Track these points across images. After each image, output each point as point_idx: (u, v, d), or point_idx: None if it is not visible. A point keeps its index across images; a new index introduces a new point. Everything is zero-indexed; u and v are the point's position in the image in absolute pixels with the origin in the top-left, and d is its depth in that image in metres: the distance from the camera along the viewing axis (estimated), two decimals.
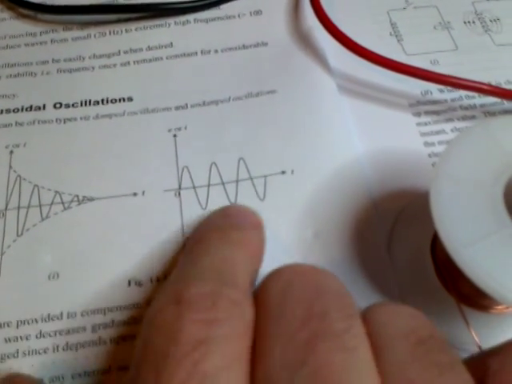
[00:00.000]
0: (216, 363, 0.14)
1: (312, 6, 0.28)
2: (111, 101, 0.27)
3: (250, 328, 0.15)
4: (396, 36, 0.29)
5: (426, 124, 0.26)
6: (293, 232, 0.23)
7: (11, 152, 0.25)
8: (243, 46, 0.28)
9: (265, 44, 0.28)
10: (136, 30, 0.29)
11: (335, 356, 0.13)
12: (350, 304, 0.15)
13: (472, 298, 0.20)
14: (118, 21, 0.29)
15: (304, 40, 0.28)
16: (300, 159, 0.25)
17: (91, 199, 0.24)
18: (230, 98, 0.27)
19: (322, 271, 0.17)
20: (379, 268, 0.22)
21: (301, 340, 0.14)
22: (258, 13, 0.30)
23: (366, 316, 0.15)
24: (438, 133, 0.26)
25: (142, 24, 0.29)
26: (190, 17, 0.29)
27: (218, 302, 0.15)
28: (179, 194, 0.24)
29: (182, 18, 0.29)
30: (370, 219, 0.23)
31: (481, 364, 0.15)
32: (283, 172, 0.24)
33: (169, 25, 0.29)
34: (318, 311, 0.15)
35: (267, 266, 0.22)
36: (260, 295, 0.16)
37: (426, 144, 0.25)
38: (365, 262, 0.22)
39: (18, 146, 0.25)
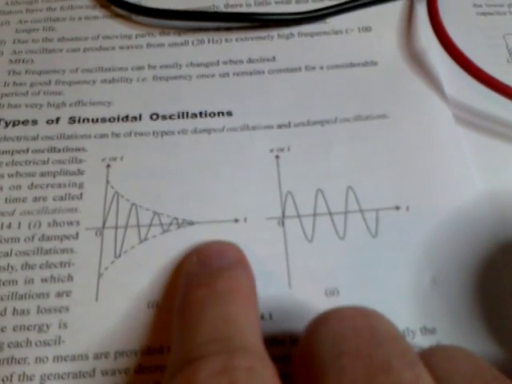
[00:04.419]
0: None
1: (432, 28, 0.26)
2: (209, 114, 0.25)
3: None
4: None
5: None
6: (408, 276, 0.21)
7: (108, 166, 0.23)
8: (351, 63, 0.26)
9: (374, 63, 0.26)
10: (236, 40, 0.27)
11: None
12: (407, 348, 0.15)
13: None
14: (218, 29, 0.28)
15: (417, 62, 0.26)
16: (415, 194, 0.23)
17: (191, 223, 0.22)
18: (336, 118, 0.25)
19: (371, 313, 0.16)
20: (504, 320, 0.20)
21: None
22: (367, 29, 0.28)
23: (427, 362, 0.15)
24: None
25: (242, 35, 0.27)
26: (294, 30, 0.27)
27: (234, 378, 0.14)
28: (283, 222, 0.22)
29: (286, 31, 0.27)
30: (493, 266, 0.21)
31: None
32: (397, 207, 0.22)
33: (271, 37, 0.27)
34: (380, 364, 0.14)
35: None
36: (308, 349, 0.15)
37: None
38: (488, 313, 0.20)
39: (114, 159, 0.23)
